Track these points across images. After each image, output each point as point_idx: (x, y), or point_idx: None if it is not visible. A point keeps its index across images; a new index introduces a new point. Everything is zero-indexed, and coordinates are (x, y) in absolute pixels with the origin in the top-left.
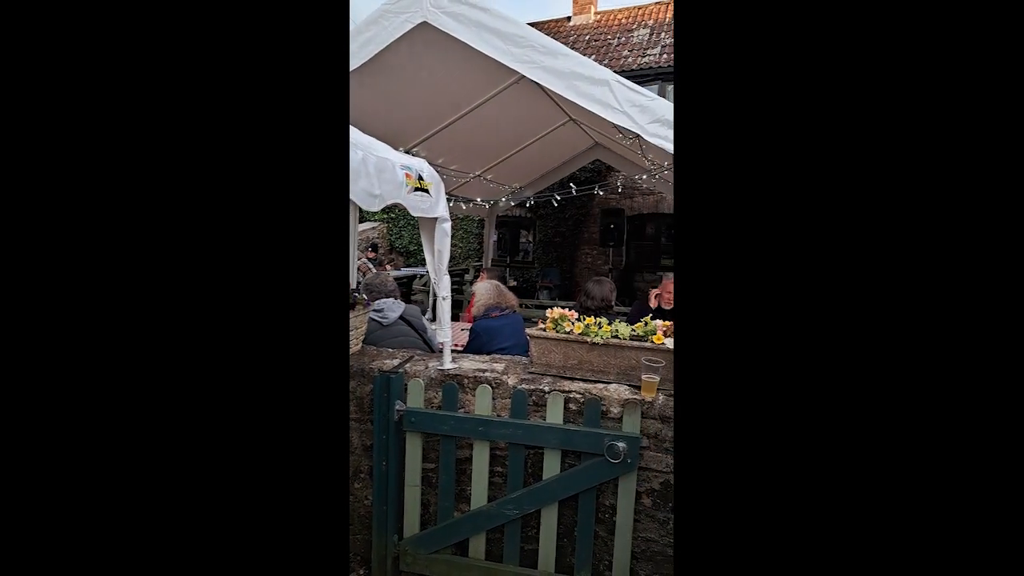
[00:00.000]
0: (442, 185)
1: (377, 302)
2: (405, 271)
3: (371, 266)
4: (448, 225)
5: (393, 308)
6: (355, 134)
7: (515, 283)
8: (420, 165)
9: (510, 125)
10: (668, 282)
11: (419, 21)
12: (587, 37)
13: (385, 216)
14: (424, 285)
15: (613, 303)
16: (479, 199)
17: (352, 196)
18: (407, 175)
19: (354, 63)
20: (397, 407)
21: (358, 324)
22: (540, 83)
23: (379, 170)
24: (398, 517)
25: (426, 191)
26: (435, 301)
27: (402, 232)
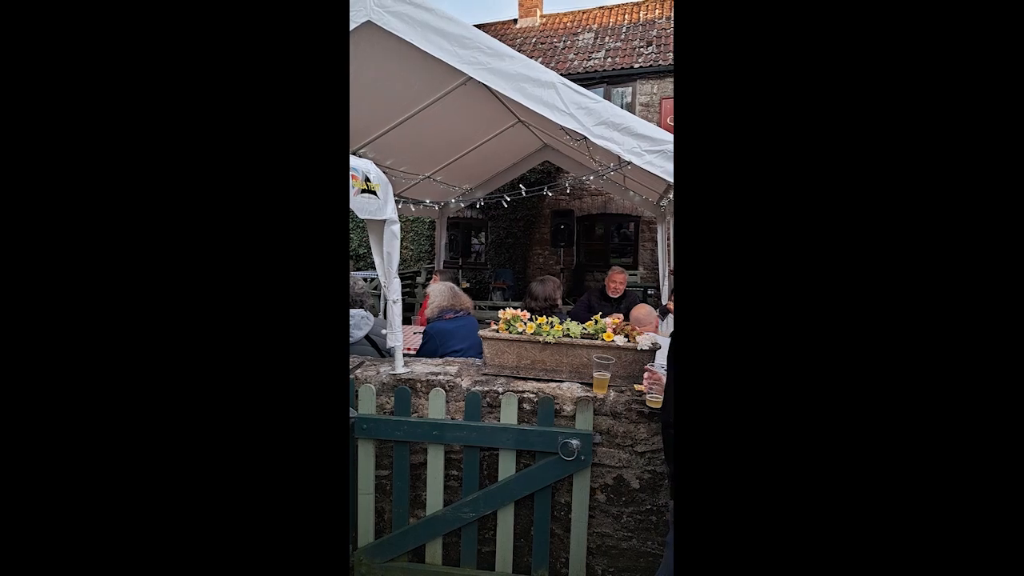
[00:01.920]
0: (390, 187)
1: None
2: (354, 275)
3: None
4: (397, 227)
5: (360, 325)
6: None
7: (468, 284)
8: (366, 166)
9: (459, 126)
10: (613, 272)
11: (363, 20)
12: (533, 40)
13: None
14: (374, 289)
15: (559, 301)
16: (429, 200)
17: None
18: (353, 177)
19: None
20: (349, 414)
21: None
22: (487, 85)
23: None
24: (351, 527)
25: (374, 193)
26: (385, 305)
27: (351, 235)
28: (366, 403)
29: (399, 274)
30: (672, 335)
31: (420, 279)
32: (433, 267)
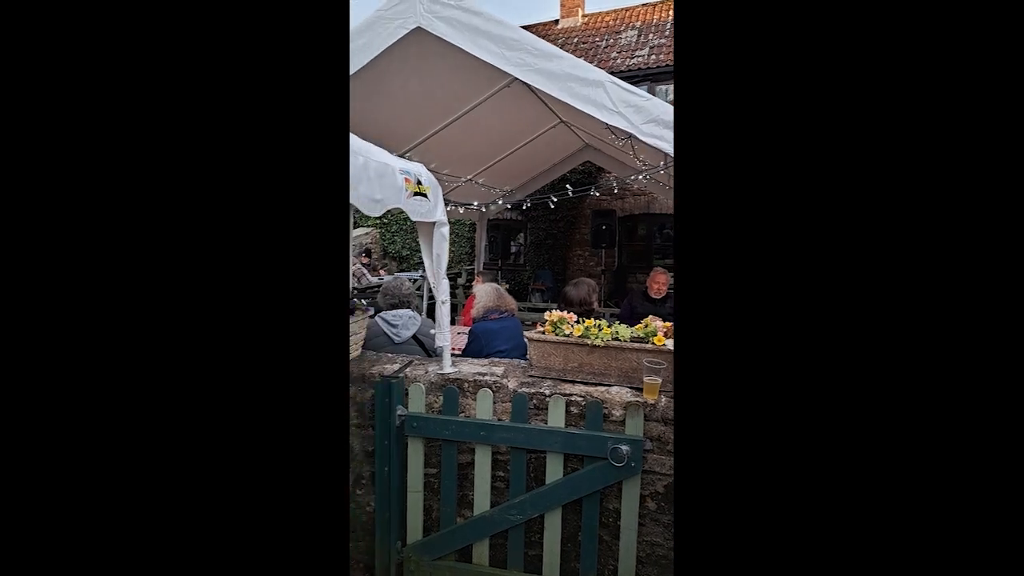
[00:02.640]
0: (440, 189)
1: (393, 313)
2: (399, 276)
3: (365, 271)
4: (446, 229)
5: (408, 325)
6: (354, 140)
7: (507, 286)
8: (418, 170)
9: (501, 128)
10: (656, 273)
11: (413, 27)
12: (575, 39)
13: (378, 222)
14: (417, 289)
15: (595, 305)
16: (475, 203)
17: (353, 201)
18: (406, 180)
19: (350, 69)
20: (398, 412)
21: (357, 330)
22: (534, 86)
23: (379, 175)
24: (401, 523)
25: (424, 195)
26: (431, 305)
27: (394, 237)
28: (415, 401)
29: (428, 275)
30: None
31: (460, 280)
32: (473, 269)
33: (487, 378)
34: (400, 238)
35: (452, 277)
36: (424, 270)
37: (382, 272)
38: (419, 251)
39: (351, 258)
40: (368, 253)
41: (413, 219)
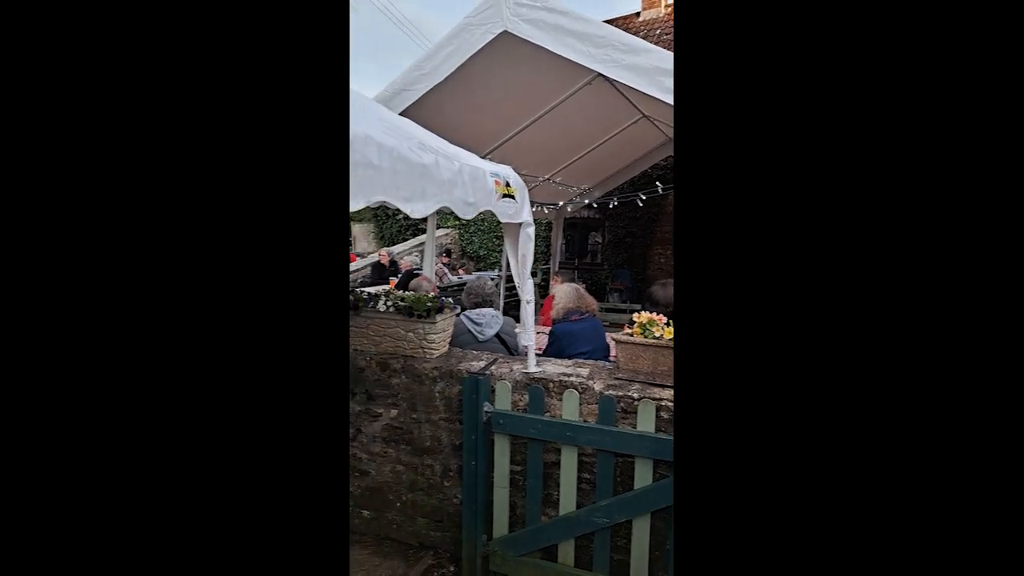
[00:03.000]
0: (526, 191)
1: (477, 312)
2: (481, 275)
3: (446, 271)
4: (532, 230)
5: (491, 324)
6: (448, 146)
7: (584, 285)
8: (507, 172)
9: (580, 126)
10: None
11: (500, 31)
12: (658, 31)
13: (457, 223)
14: (496, 287)
15: None
16: (559, 202)
17: (449, 204)
18: (496, 182)
19: (437, 77)
20: (485, 409)
21: (445, 327)
22: (621, 81)
23: (473, 179)
24: (486, 517)
25: (512, 197)
26: (507, 304)
27: (472, 238)
28: (502, 399)
29: (513, 275)
30: None
31: (536, 280)
32: (548, 268)
33: (572, 379)
34: (478, 238)
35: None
36: (501, 269)
37: (461, 271)
38: (496, 251)
39: (434, 259)
40: (448, 253)
41: (501, 220)
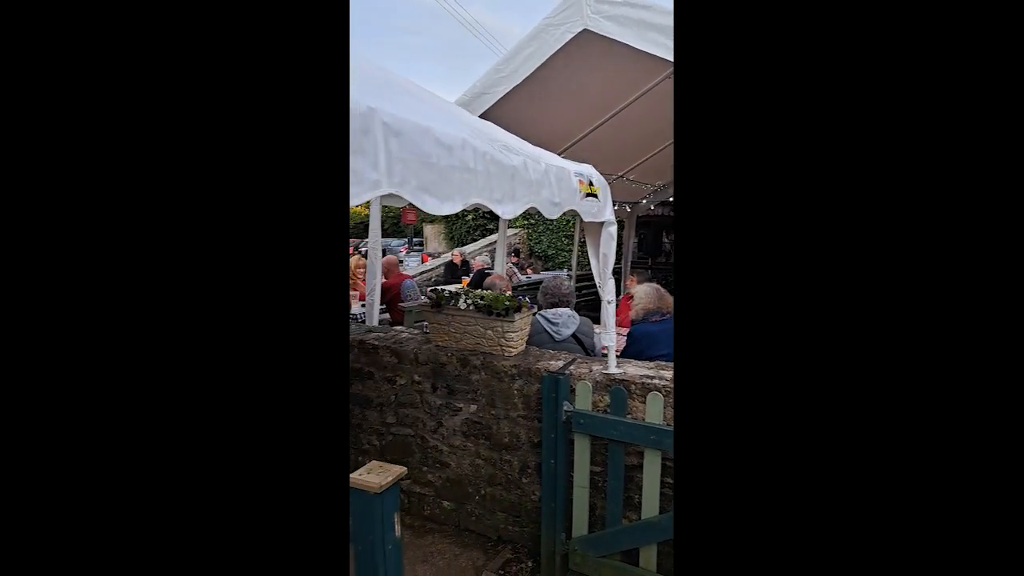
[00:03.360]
0: (608, 189)
1: (553, 311)
2: (559, 274)
3: (516, 270)
4: (614, 229)
5: (568, 324)
6: (526, 146)
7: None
8: (590, 171)
9: (656, 122)
10: None
11: (580, 30)
12: None
13: (525, 222)
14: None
15: None
16: (642, 200)
17: (537, 205)
18: (580, 182)
19: (516, 79)
20: (565, 408)
21: (523, 326)
22: None
23: (558, 179)
24: (565, 516)
25: (595, 196)
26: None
27: (541, 237)
28: (582, 399)
29: (586, 275)
30: None
31: None
32: (620, 268)
33: (655, 381)
34: (547, 238)
35: (590, 277)
36: (571, 269)
37: (529, 271)
38: (564, 250)
39: (505, 258)
40: (516, 252)
41: (585, 219)
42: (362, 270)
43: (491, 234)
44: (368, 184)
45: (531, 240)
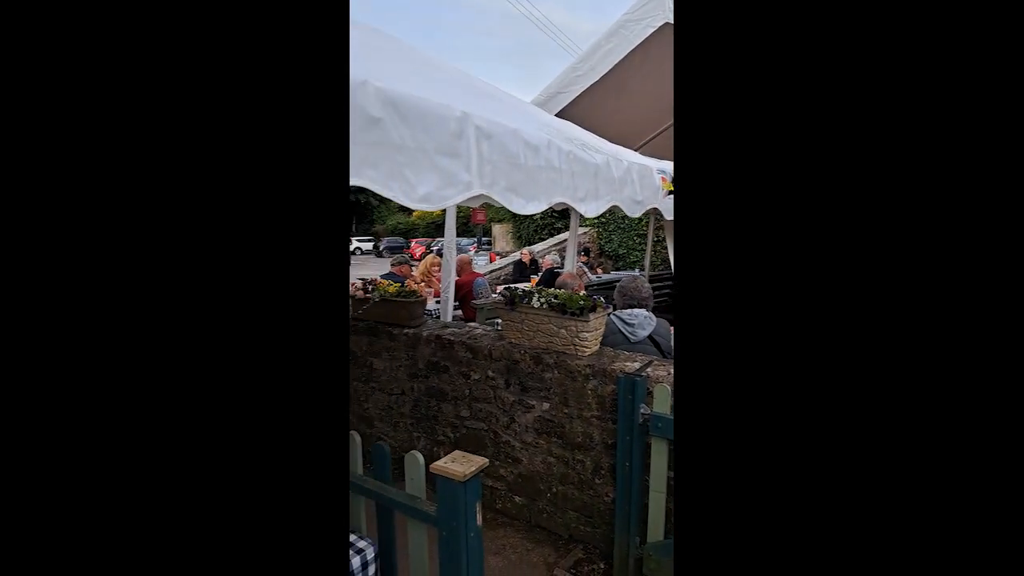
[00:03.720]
0: None
1: (629, 312)
2: (637, 274)
3: (585, 270)
4: None
5: (644, 325)
6: (604, 143)
7: None
8: (672, 169)
9: None
10: None
11: (660, 23)
12: None
13: (595, 221)
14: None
15: None
16: None
17: (619, 203)
18: (663, 179)
19: (593, 77)
20: (641, 410)
21: (598, 325)
22: None
23: (641, 177)
24: (640, 520)
25: None
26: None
27: (611, 236)
28: (660, 402)
29: (661, 276)
30: None
31: None
32: None
33: None
34: (617, 236)
35: (669, 277)
36: (644, 269)
37: (599, 270)
38: (636, 249)
39: (575, 257)
40: (586, 252)
41: (667, 218)
42: (437, 268)
43: (559, 233)
44: (461, 186)
45: (601, 239)
